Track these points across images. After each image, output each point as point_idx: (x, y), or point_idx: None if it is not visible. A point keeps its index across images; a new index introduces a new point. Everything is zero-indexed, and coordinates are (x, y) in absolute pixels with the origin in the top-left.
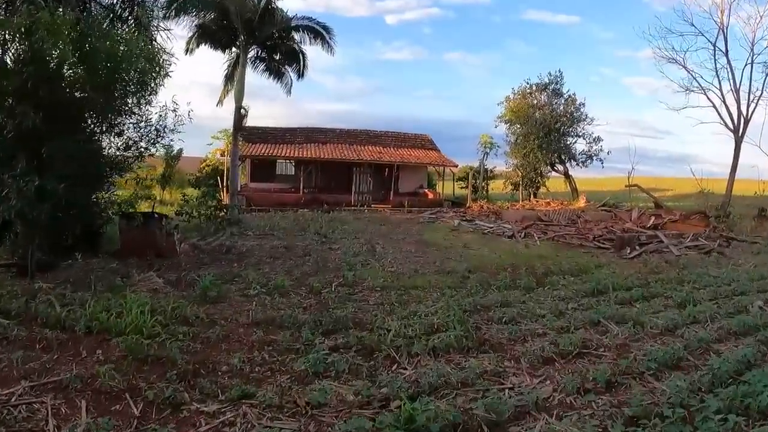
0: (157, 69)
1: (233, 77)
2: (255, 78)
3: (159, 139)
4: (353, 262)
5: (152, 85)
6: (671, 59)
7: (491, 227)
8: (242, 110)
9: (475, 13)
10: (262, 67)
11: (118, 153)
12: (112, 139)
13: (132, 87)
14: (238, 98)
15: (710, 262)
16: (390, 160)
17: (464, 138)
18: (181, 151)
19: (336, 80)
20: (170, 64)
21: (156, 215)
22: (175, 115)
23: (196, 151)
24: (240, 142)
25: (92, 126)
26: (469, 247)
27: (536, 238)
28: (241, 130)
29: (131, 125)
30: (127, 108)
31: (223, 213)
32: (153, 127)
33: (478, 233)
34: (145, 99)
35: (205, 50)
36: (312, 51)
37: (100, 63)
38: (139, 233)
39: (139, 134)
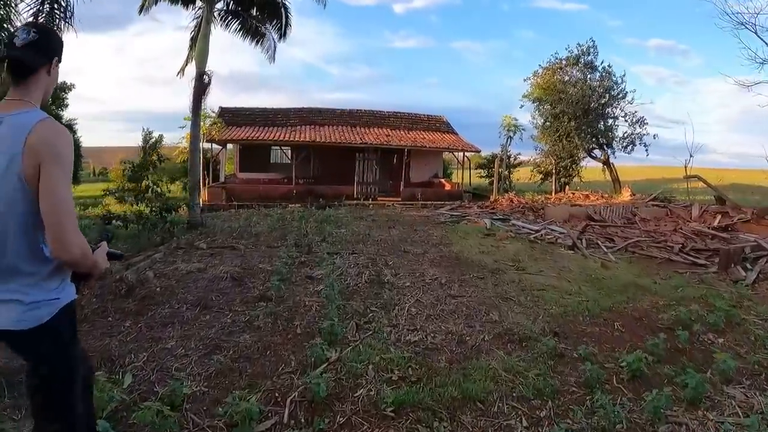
0: None
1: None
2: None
3: None
4: (343, 315)
5: None
6: (740, 24)
7: (537, 230)
8: (205, 76)
9: (482, 1)
10: (236, 25)
11: None
12: None
13: None
14: (200, 60)
15: None
16: (400, 145)
17: (473, 125)
18: (161, 137)
19: (342, 69)
20: None
21: None
22: None
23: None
24: (218, 124)
25: None
26: (523, 268)
27: (604, 249)
28: (201, 102)
29: None
30: None
31: (169, 216)
32: None
33: (523, 240)
34: None
35: (165, 7)
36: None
37: None
38: None
39: None
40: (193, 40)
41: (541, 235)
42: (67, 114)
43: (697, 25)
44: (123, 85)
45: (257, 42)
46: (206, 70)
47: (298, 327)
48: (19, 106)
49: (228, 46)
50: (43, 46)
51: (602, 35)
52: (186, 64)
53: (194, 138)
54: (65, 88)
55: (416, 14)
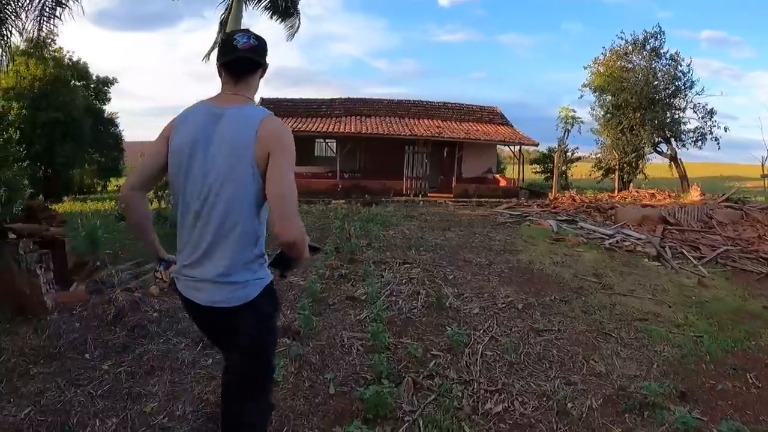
0: None
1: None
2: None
3: None
4: (394, 361)
5: None
6: None
7: (610, 235)
8: None
9: None
10: (267, 2)
11: None
12: None
13: None
14: None
15: None
16: (452, 137)
17: (520, 120)
18: None
19: (389, 63)
20: None
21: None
22: None
23: None
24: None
25: None
26: (610, 286)
27: (693, 260)
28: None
29: None
30: None
31: None
32: None
33: (598, 247)
34: None
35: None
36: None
37: None
38: None
39: None
40: (223, 24)
41: (617, 241)
42: (109, 108)
43: (751, 15)
44: (173, 81)
45: (283, 20)
46: None
47: (331, 384)
48: (239, 101)
49: (274, 42)
50: (261, 51)
51: (652, 27)
52: (213, 49)
53: None
54: (108, 82)
55: (462, 7)
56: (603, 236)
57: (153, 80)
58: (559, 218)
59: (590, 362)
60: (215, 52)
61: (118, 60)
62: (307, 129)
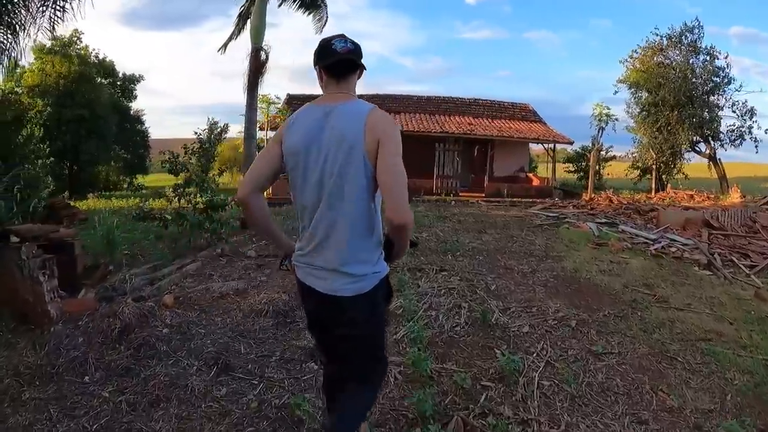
0: None
1: (249, 13)
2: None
3: None
4: (439, 394)
5: None
6: None
7: (654, 240)
8: (261, 52)
9: None
10: None
11: None
12: None
13: None
14: (256, 35)
15: None
16: (484, 134)
17: (546, 118)
18: (226, 126)
19: (415, 61)
20: None
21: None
22: None
23: None
24: (284, 111)
25: None
26: (665, 299)
27: (745, 269)
28: (258, 81)
29: None
30: None
31: (216, 214)
32: None
33: (644, 254)
34: None
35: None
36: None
37: None
38: None
39: None
40: (241, 17)
41: (663, 247)
42: (135, 105)
43: None
44: (199, 81)
45: (310, 13)
46: (263, 45)
47: (367, 426)
48: (345, 98)
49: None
50: (358, 54)
51: (681, 23)
52: (230, 40)
53: (249, 123)
54: (134, 80)
55: (488, 4)
56: (647, 241)
57: (179, 79)
58: (598, 221)
59: (659, 394)
60: (232, 43)
61: (145, 59)
62: None
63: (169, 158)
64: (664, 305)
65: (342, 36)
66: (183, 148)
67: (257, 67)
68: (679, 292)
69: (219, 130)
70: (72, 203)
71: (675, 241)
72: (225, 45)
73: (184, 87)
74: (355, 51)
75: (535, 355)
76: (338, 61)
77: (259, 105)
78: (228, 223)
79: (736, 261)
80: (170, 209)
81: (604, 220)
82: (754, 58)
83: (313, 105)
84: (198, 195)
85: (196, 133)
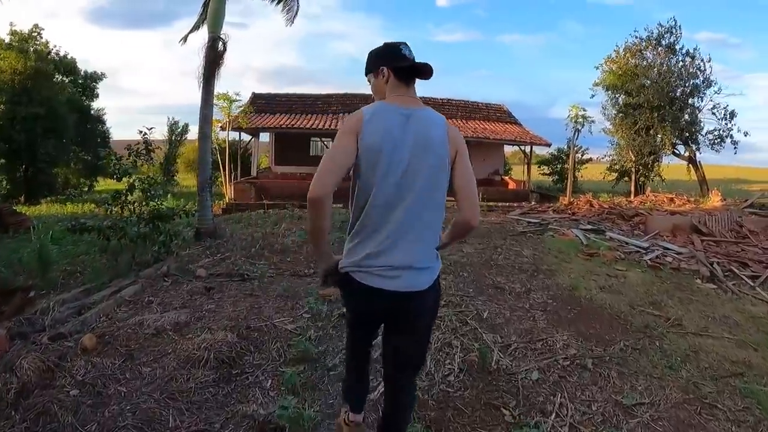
0: None
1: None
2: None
3: None
4: None
5: None
6: None
7: (647, 249)
8: (219, 42)
9: None
10: None
11: None
12: None
13: None
14: (213, 23)
15: None
16: None
17: (520, 120)
18: (187, 126)
19: None
20: None
21: None
22: None
23: None
24: (247, 111)
25: None
26: (678, 321)
27: (749, 281)
28: (214, 74)
29: None
30: None
31: (164, 225)
32: None
33: (640, 265)
34: None
35: None
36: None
37: None
38: None
39: None
40: (206, 5)
41: (657, 256)
42: (96, 105)
43: (750, 17)
44: (170, 80)
45: (279, 2)
46: (221, 34)
47: None
48: (417, 103)
49: (274, 43)
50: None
51: (667, 21)
52: (192, 31)
53: (204, 121)
54: (96, 78)
55: (461, 7)
56: (639, 249)
57: (150, 79)
58: (584, 227)
59: None
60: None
61: (116, 58)
62: (302, 126)
63: (113, 161)
64: (679, 330)
65: (406, 44)
66: (126, 149)
67: (214, 58)
68: (690, 311)
69: (180, 130)
70: (20, 209)
71: (669, 249)
72: (186, 36)
73: (154, 87)
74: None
75: (553, 416)
76: (411, 66)
77: (219, 103)
78: (180, 234)
79: (736, 271)
80: (113, 219)
81: (589, 227)
82: (723, 63)
83: (387, 105)
84: (145, 202)
85: (140, 132)
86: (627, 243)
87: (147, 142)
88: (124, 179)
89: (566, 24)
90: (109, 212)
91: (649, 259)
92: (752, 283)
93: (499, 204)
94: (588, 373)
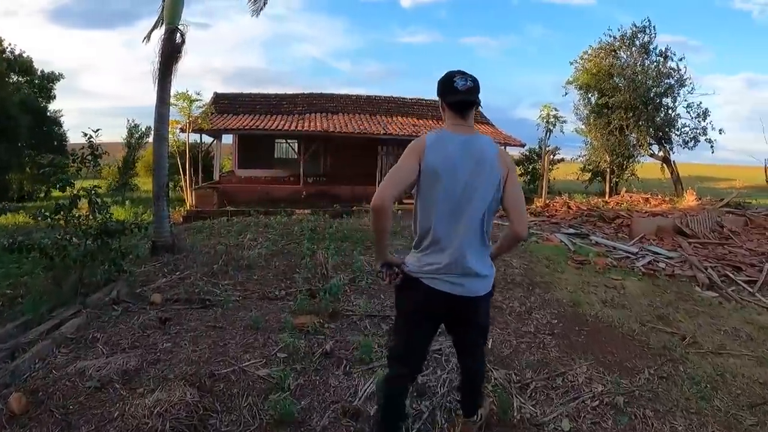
0: None
1: None
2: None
3: None
4: None
5: None
6: None
7: (636, 254)
8: (177, 33)
9: None
10: None
11: None
12: None
13: None
14: (171, 13)
15: None
16: None
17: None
18: (148, 129)
19: (352, 64)
20: None
21: None
22: None
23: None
24: (208, 112)
25: None
26: (694, 339)
27: (747, 287)
28: (171, 69)
29: None
30: None
31: (114, 242)
32: None
33: (633, 272)
34: None
35: None
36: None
37: None
38: None
39: None
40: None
41: (650, 262)
42: (53, 106)
43: (709, 20)
44: (133, 81)
45: None
46: (179, 25)
47: None
48: (473, 131)
49: (236, 44)
50: (477, 90)
51: (641, 21)
52: (155, 27)
53: (160, 121)
54: (53, 78)
55: (425, 9)
56: (628, 254)
57: (112, 80)
58: (565, 231)
59: None
60: (159, 34)
61: (76, 59)
62: (266, 127)
63: (50, 169)
64: (697, 349)
65: (462, 73)
66: (71, 155)
67: (171, 51)
68: (700, 325)
69: (140, 133)
70: None
71: (658, 254)
72: (149, 34)
73: (117, 88)
74: (474, 88)
75: None
76: (460, 101)
77: (179, 103)
78: (134, 249)
79: (732, 276)
80: (53, 237)
81: (572, 231)
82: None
83: (447, 132)
84: (91, 215)
85: (85, 134)
86: (615, 248)
87: (93, 147)
88: (69, 189)
89: (528, 26)
90: (51, 226)
91: (642, 266)
92: (751, 289)
93: None
94: (625, 418)
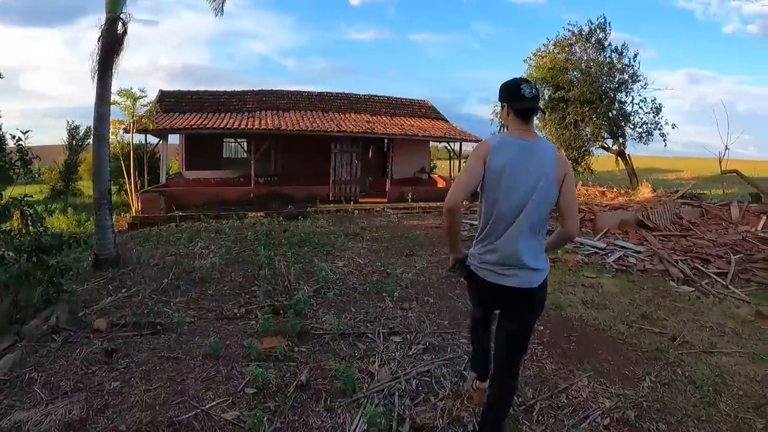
0: None
1: None
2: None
3: None
4: None
5: None
6: None
7: (605, 249)
8: (119, 23)
9: None
10: None
11: None
12: None
13: None
14: (112, 1)
15: None
16: (386, 133)
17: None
18: (89, 130)
19: (299, 62)
20: None
21: None
22: None
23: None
24: (153, 111)
25: None
26: (685, 338)
27: (719, 280)
28: (112, 61)
29: None
30: None
31: (50, 259)
32: None
33: (604, 269)
34: None
35: None
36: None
37: None
38: None
39: None
40: None
41: (620, 257)
42: None
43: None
44: (77, 80)
45: None
46: (121, 14)
47: None
48: (535, 137)
49: (183, 41)
50: (540, 98)
51: (556, 28)
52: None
53: (99, 120)
54: None
55: (373, 5)
56: (596, 250)
57: (55, 80)
58: None
59: None
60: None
61: (19, 57)
62: (214, 126)
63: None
64: (689, 350)
65: (527, 81)
66: None
67: (112, 43)
68: (685, 323)
69: (81, 134)
70: None
71: (626, 248)
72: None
73: (63, 88)
74: (538, 95)
75: None
76: (526, 108)
77: (121, 101)
78: (75, 264)
79: (703, 269)
80: None
81: None
82: (628, 62)
83: (510, 137)
84: (26, 229)
85: (13, 136)
86: (582, 244)
87: (22, 151)
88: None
89: (476, 24)
90: None
91: (613, 262)
92: (724, 282)
93: (432, 204)
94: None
